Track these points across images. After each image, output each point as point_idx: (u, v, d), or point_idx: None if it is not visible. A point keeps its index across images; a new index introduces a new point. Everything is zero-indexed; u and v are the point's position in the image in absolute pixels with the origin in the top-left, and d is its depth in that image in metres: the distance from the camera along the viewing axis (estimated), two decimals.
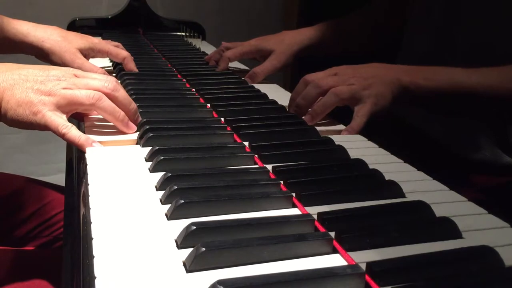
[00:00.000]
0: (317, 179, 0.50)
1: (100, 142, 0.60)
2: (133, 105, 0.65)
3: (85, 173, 0.52)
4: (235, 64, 1.11)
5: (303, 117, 0.71)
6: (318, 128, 0.66)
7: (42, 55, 0.86)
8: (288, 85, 1.04)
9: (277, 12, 2.04)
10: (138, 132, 0.64)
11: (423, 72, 0.74)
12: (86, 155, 0.55)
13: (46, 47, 0.84)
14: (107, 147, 0.58)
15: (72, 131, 0.59)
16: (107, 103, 0.62)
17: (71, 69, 0.66)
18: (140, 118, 0.66)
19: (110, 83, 0.63)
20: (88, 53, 0.91)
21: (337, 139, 0.62)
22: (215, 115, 0.72)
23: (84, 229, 0.42)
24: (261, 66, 0.99)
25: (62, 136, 0.59)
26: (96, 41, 0.93)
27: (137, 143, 0.62)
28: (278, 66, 1.00)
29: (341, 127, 0.71)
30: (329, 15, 1.13)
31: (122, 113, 0.63)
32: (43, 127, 0.59)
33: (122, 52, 0.95)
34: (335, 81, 0.72)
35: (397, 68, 0.76)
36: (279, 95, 0.84)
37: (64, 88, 0.60)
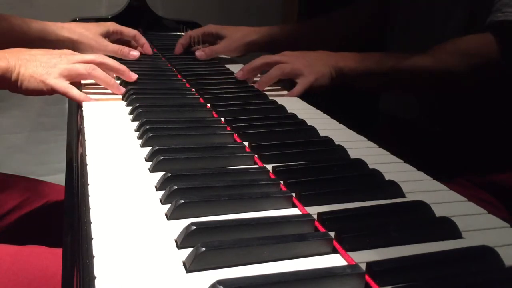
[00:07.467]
0: (317, 179, 0.50)
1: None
2: (123, 68, 0.83)
3: (85, 173, 0.52)
4: (235, 65, 1.11)
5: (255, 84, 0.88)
6: (318, 128, 0.66)
7: (72, 47, 0.96)
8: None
9: (277, 12, 2.03)
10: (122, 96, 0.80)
11: (355, 57, 0.91)
12: (87, 154, 0.55)
13: (75, 38, 1.00)
14: (106, 143, 0.59)
15: (74, 90, 0.77)
16: (99, 72, 0.79)
17: (68, 50, 0.84)
18: (133, 76, 0.84)
19: (99, 56, 0.82)
20: (107, 36, 1.05)
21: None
22: (215, 115, 0.72)
23: (84, 229, 0.42)
24: (213, 47, 1.11)
25: (66, 93, 0.76)
26: (110, 24, 1.07)
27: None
28: (227, 50, 1.12)
29: (341, 126, 0.71)
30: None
31: (113, 79, 0.81)
32: (51, 90, 0.76)
33: (132, 30, 1.09)
34: (282, 58, 0.90)
35: (335, 55, 0.92)
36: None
37: (64, 63, 0.77)
